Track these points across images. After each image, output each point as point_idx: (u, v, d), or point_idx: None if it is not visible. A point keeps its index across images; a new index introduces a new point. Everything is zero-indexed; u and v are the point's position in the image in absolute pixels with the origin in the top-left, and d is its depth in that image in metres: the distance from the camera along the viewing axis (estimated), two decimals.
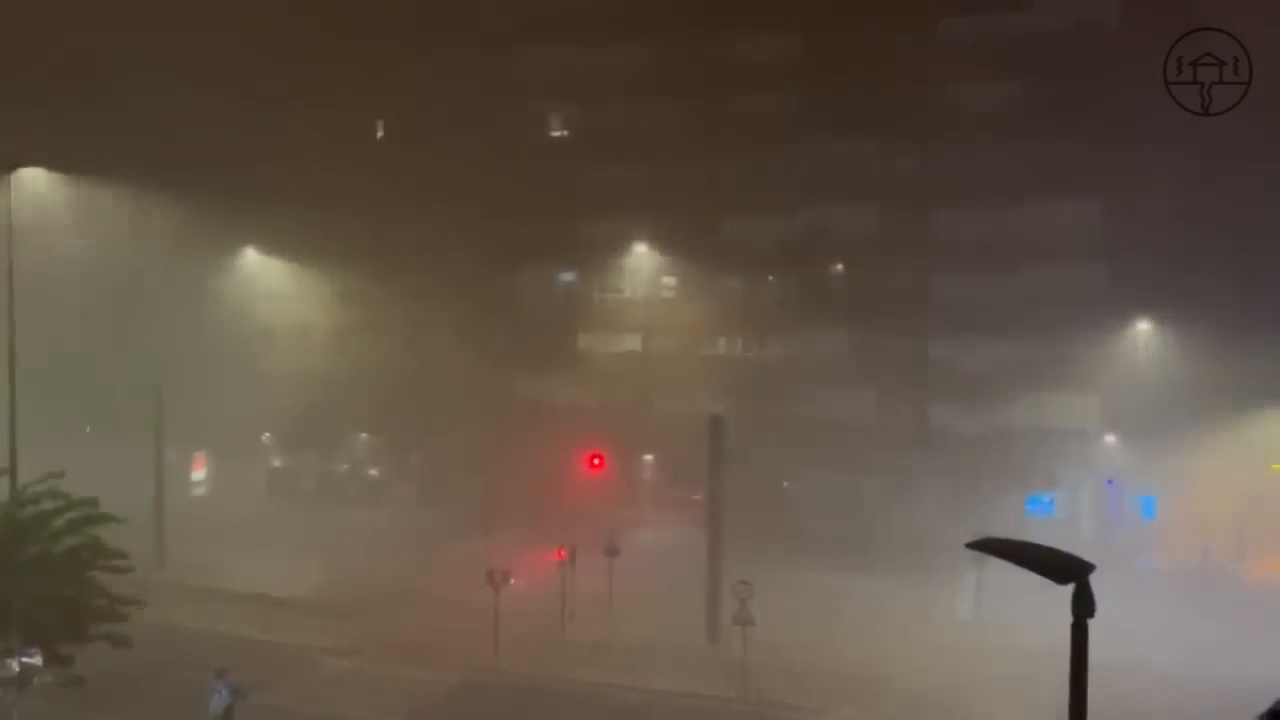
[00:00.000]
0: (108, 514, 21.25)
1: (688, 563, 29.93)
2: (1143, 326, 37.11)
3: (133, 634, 20.57)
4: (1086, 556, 7.00)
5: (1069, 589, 6.75)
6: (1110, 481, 37.00)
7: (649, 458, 42.80)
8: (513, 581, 27.09)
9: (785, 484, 38.57)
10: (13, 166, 31.48)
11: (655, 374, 42.48)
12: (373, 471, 46.57)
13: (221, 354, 44.34)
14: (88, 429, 44.01)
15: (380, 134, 46.86)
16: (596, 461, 36.66)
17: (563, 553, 28.87)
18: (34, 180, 35.68)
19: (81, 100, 41.17)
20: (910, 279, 39.02)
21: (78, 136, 39.12)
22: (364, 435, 47.35)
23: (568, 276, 46.02)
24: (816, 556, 34.35)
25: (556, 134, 45.41)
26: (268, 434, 48.14)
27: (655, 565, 32.43)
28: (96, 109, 41.15)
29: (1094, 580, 6.85)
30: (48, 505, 21.18)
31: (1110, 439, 37.58)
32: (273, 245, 46.94)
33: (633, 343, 44.44)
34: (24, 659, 19.32)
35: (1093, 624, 6.80)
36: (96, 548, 21.16)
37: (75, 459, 34.31)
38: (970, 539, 7.83)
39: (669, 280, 43.81)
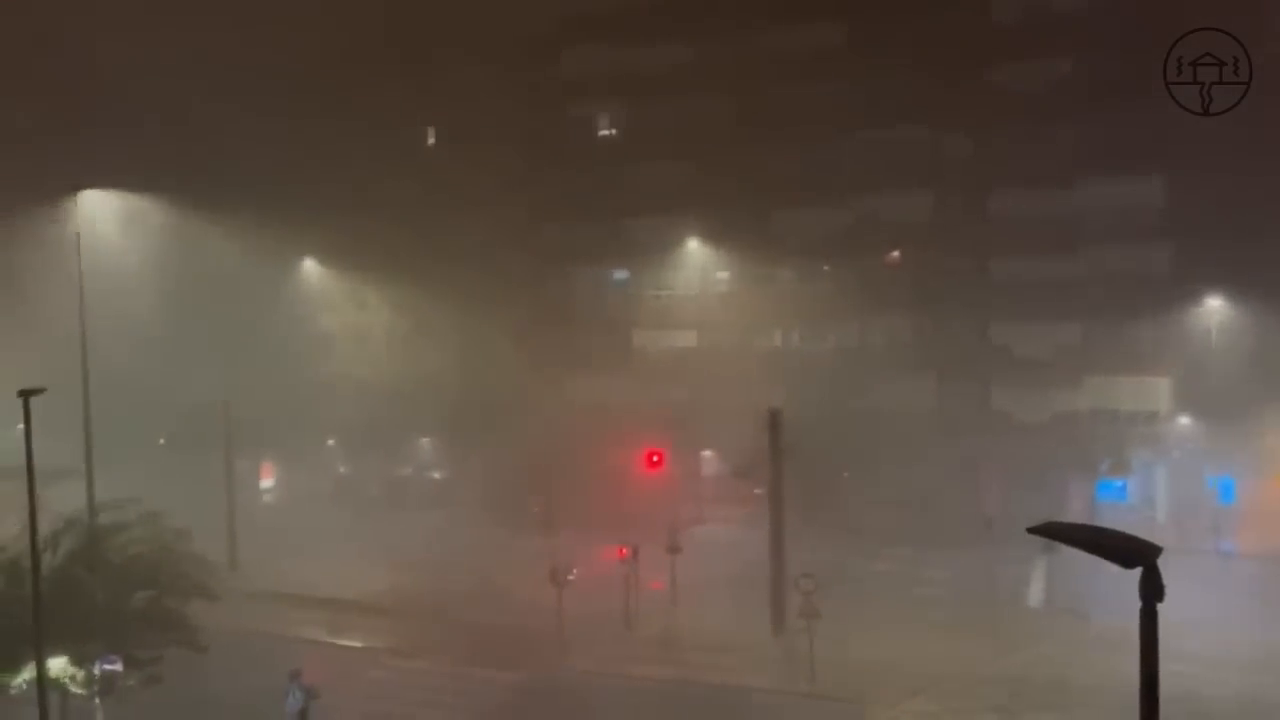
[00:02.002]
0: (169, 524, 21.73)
1: (750, 557, 29.77)
2: (1214, 304, 35.95)
3: (207, 638, 21.06)
4: (1162, 542, 6.78)
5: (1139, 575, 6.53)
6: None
7: (708, 454, 42.65)
8: (574, 574, 27.19)
9: (845, 474, 38.11)
10: (79, 188, 32.53)
11: (712, 369, 42.29)
12: (435, 474, 47.14)
13: (285, 363, 45.26)
14: (161, 441, 45.28)
15: (431, 140, 47.39)
16: (655, 459, 36.63)
17: (625, 550, 28.92)
18: (100, 201, 36.84)
19: (141, 121, 42.32)
20: (969, 264, 38.31)
21: (139, 158, 40.26)
22: (426, 439, 47.95)
23: (621, 275, 46.07)
24: (881, 548, 33.92)
25: (604, 133, 45.47)
26: (332, 440, 49.01)
27: (718, 561, 32.31)
28: (155, 129, 42.27)
29: (1170, 566, 6.63)
30: (123, 517, 21.75)
31: (1184, 420, 36.49)
32: (330, 255, 47.79)
33: (688, 339, 44.32)
34: (105, 665, 19.93)
35: (1166, 610, 6.57)
36: (171, 555, 21.69)
37: (151, 470, 35.39)
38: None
39: (722, 275, 43.61)
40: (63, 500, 21.64)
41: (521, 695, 25.23)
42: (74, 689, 19.80)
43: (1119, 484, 37.09)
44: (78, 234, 31.72)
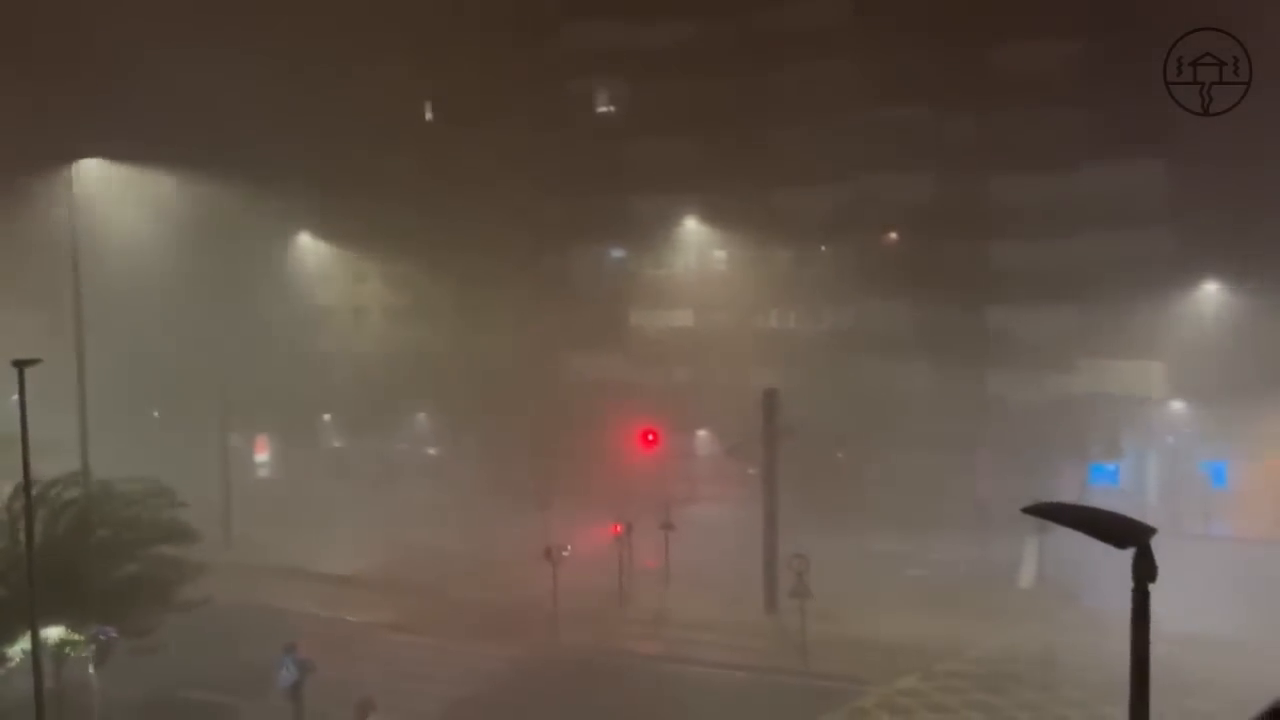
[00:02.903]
0: (172, 495, 21.82)
1: (744, 537, 29.90)
2: (1209, 288, 35.99)
3: (201, 611, 21.13)
4: (1153, 524, 6.81)
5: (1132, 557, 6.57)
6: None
7: (703, 433, 42.73)
8: (568, 551, 27.28)
9: (839, 455, 38.20)
10: (74, 157, 32.29)
11: (708, 349, 42.31)
12: (431, 450, 47.18)
13: (280, 338, 45.17)
14: (156, 415, 45.25)
15: (429, 116, 47.09)
16: (650, 438, 36.70)
17: (619, 528, 29.03)
18: (96, 171, 36.64)
19: (137, 91, 41.99)
20: (967, 246, 38.26)
21: (134, 127, 39.96)
22: (422, 415, 47.98)
23: (618, 253, 45.97)
24: (874, 528, 34.07)
25: (604, 110, 45.24)
26: (328, 415, 49.01)
27: (711, 539, 32.44)
28: (152, 99, 41.93)
29: (1161, 548, 6.66)
30: (120, 490, 21.79)
31: (1177, 405, 36.61)
32: (326, 229, 47.58)
33: (685, 318, 44.28)
34: (101, 636, 20.01)
35: (1157, 592, 6.62)
36: (164, 527, 21.75)
37: (145, 444, 35.38)
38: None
39: (720, 254, 43.53)
40: (54, 471, 21.60)
41: (516, 671, 25.37)
42: (72, 654, 19.90)
43: (1111, 468, 37.23)
44: (73, 204, 31.57)
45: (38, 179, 36.60)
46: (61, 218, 32.24)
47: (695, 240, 43.57)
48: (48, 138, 36.23)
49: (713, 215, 42.53)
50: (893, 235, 41.13)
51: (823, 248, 42.12)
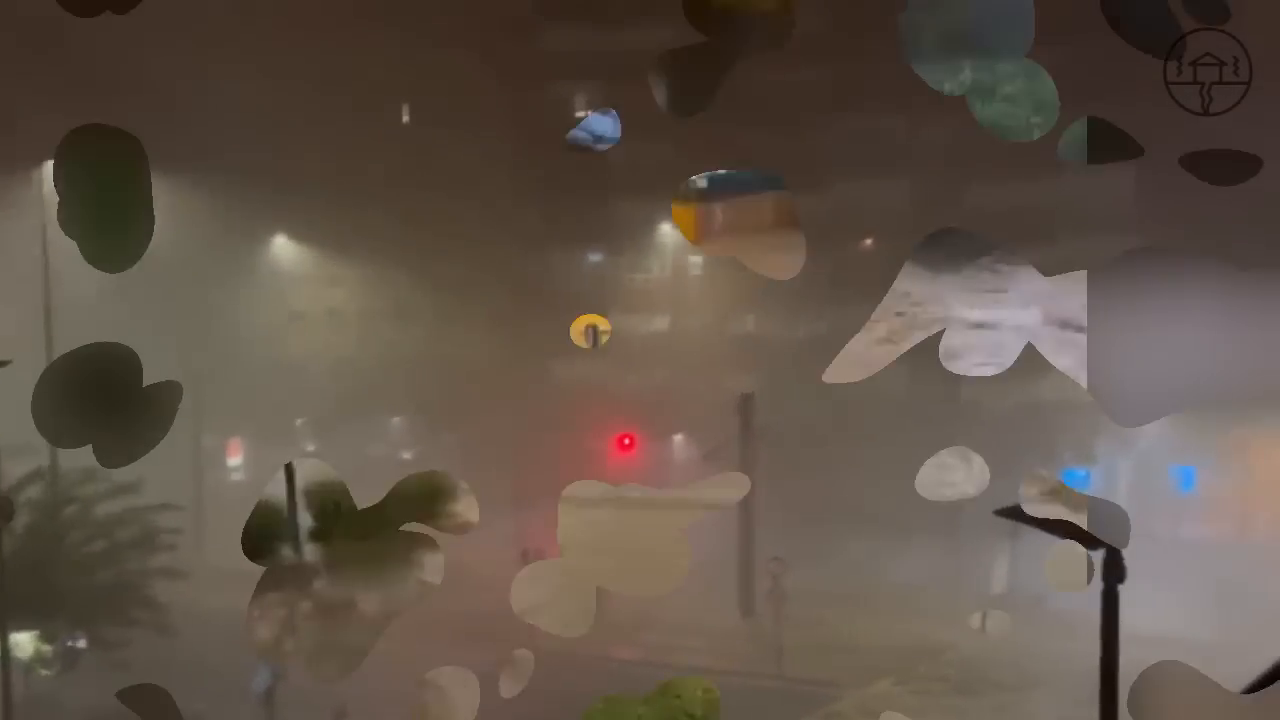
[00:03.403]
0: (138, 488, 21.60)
1: (720, 540, 29.92)
2: None
3: (174, 616, 20.93)
4: None
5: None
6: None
7: (679, 438, 42.77)
8: (544, 556, 27.22)
9: (814, 459, 38.33)
10: (44, 157, 31.87)
11: (685, 354, 42.39)
12: (406, 455, 46.89)
13: (254, 340, 44.80)
14: None
15: (406, 118, 46.93)
16: (627, 442, 36.71)
17: None
18: None
19: (111, 90, 41.53)
20: None
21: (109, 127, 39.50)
22: (397, 419, 47.71)
23: (595, 258, 45.97)
24: (850, 532, 34.21)
25: (581, 115, 45.21)
26: (301, 419, 48.61)
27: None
28: (126, 99, 41.48)
29: (1130, 552, 6.74)
30: (90, 490, 21.57)
31: None
32: (303, 232, 47.27)
33: (662, 323, 44.36)
34: (69, 643, 19.77)
35: (1126, 595, 6.70)
36: (140, 530, 21.55)
37: None
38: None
39: (696, 259, 43.64)
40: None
41: (489, 676, 25.27)
42: (42, 670, 19.65)
43: (1082, 474, 37.58)
44: (43, 203, 31.20)
45: (7, 178, 36.15)
46: (32, 218, 31.86)
47: (672, 245, 43.65)
48: (17, 137, 35.75)
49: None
50: (868, 242, 41.39)
51: None
